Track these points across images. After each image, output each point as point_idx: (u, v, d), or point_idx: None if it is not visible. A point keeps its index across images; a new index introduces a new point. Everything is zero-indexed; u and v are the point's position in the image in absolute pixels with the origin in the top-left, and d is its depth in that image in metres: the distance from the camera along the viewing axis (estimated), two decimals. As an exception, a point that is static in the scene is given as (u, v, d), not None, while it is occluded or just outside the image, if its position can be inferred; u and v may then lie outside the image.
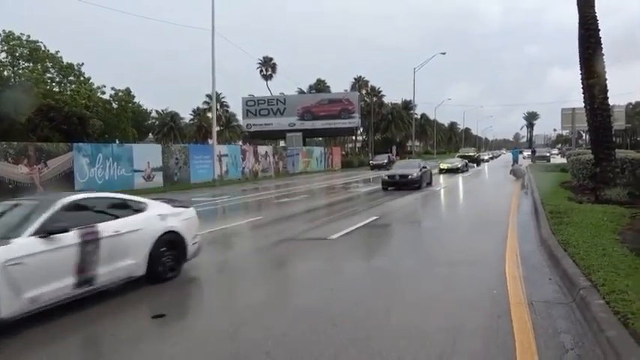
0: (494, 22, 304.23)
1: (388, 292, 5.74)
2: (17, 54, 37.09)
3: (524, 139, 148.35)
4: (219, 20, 33.96)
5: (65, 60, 39.20)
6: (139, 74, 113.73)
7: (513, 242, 8.06)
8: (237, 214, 15.44)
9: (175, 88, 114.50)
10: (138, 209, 6.17)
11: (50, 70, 38.84)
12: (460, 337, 4.08)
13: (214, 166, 28.93)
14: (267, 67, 66.45)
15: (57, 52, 38.60)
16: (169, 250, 6.22)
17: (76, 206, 5.49)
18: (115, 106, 43.13)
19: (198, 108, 68.50)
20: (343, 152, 64.51)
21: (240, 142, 62.78)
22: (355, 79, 72.90)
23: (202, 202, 18.21)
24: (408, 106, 77.67)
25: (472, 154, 49.45)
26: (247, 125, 54.18)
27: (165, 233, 6.16)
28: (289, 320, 4.80)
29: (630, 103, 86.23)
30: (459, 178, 27.35)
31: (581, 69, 12.67)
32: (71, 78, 39.85)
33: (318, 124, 51.56)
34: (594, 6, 12.46)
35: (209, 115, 57.03)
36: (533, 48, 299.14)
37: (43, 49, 37.71)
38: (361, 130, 68.00)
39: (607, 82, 12.41)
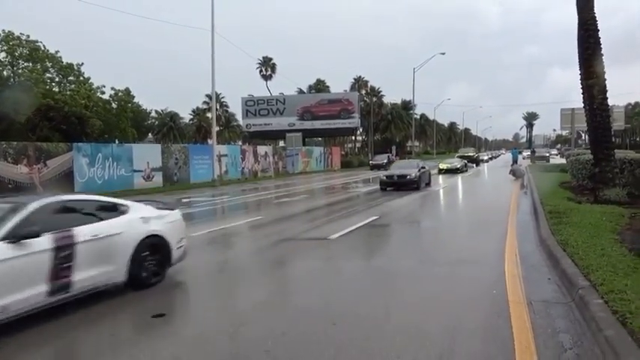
0: (494, 23, 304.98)
1: (388, 291, 5.75)
2: (17, 54, 37.10)
3: (524, 140, 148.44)
4: (219, 20, 33.94)
5: (65, 60, 39.29)
6: (138, 74, 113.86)
7: (513, 242, 8.08)
8: (237, 214, 15.45)
9: (175, 88, 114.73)
10: (119, 212, 5.92)
11: (50, 70, 38.88)
12: (460, 336, 4.10)
13: (214, 166, 28.93)
14: (267, 67, 66.48)
15: (57, 52, 38.70)
16: (152, 254, 5.96)
17: (50, 209, 5.23)
18: (114, 106, 43.13)
19: (197, 108, 68.56)
20: (343, 152, 64.56)
21: (240, 142, 62.87)
22: (355, 79, 73.00)
23: (202, 202, 18.23)
24: (407, 106, 77.72)
25: (471, 154, 49.49)
26: (247, 125, 54.21)
27: (148, 237, 5.91)
28: (289, 320, 4.81)
29: (630, 104, 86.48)
30: (459, 179, 27.36)
31: (580, 69, 12.69)
32: (71, 78, 39.89)
33: (318, 124, 51.60)
34: (594, 7, 12.49)
35: (209, 115, 57.08)
36: (533, 48, 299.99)
37: (42, 49, 37.74)
38: (361, 130, 68.08)
39: (606, 82, 12.45)
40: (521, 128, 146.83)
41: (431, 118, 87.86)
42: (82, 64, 39.96)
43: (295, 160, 41.97)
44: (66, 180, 20.64)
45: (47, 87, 37.41)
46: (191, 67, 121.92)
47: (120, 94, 43.99)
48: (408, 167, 20.96)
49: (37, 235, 4.74)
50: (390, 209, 14.11)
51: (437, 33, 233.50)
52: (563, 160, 31.49)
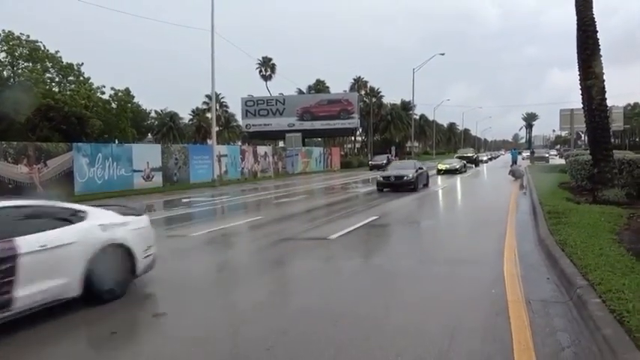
0: (493, 24, 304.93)
1: (388, 291, 5.78)
2: (17, 54, 37.15)
3: (523, 140, 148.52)
4: (219, 20, 33.99)
5: (65, 60, 39.33)
6: (138, 74, 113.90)
7: (512, 242, 8.12)
8: (237, 214, 15.48)
9: (175, 88, 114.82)
10: (74, 219, 5.31)
11: (50, 70, 38.92)
12: (459, 335, 4.12)
13: (214, 167, 28.94)
14: (267, 68, 66.58)
15: (57, 52, 38.75)
16: (112, 265, 5.41)
17: None
18: (114, 106, 43.14)
19: (197, 108, 68.65)
20: (342, 153, 64.61)
21: (240, 143, 62.91)
22: (354, 79, 73.12)
23: (202, 202, 18.27)
24: (407, 106, 77.75)
25: (471, 154, 49.42)
26: (246, 125, 54.25)
27: (108, 246, 5.39)
28: (289, 319, 4.83)
29: (629, 104, 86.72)
30: (457, 179, 27.40)
31: (579, 70, 12.73)
32: (71, 78, 39.93)
33: (318, 125, 51.63)
34: (592, 8, 12.53)
35: (208, 115, 57.14)
36: (532, 49, 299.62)
37: (42, 49, 37.78)
38: (360, 130, 68.11)
39: (605, 83, 12.49)
40: (520, 129, 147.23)
41: (430, 118, 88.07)
42: (82, 64, 40.08)
43: (295, 161, 41.99)
44: (66, 180, 20.65)
45: (47, 87, 37.45)
46: (191, 67, 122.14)
47: (120, 94, 44.03)
48: (405, 168, 20.88)
49: None
50: (389, 209, 14.15)
51: (437, 34, 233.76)
52: (563, 161, 31.55)
